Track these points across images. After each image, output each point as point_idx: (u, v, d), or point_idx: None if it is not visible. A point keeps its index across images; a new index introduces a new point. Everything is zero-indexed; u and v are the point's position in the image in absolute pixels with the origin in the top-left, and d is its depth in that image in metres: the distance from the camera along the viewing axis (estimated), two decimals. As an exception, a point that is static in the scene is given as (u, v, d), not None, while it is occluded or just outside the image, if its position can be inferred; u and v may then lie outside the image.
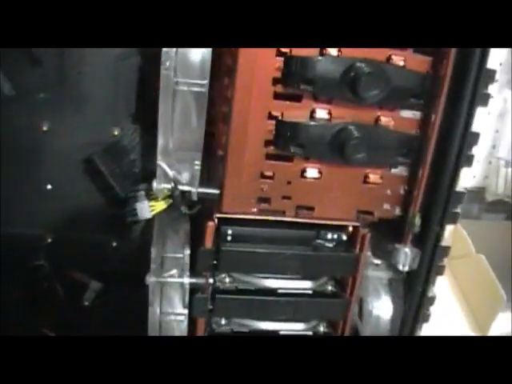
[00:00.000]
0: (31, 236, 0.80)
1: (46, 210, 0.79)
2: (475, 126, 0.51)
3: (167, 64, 0.44)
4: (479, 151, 1.23)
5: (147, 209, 0.56)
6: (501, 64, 1.09)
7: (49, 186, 0.76)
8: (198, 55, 0.45)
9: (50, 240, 0.78)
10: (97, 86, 0.72)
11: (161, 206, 0.56)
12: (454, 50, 0.50)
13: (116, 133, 0.72)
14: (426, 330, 0.61)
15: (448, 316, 0.90)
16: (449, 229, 0.52)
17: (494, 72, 0.50)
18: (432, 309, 0.65)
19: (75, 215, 0.81)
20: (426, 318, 0.56)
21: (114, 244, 0.78)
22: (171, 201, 0.56)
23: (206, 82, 0.46)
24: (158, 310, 0.56)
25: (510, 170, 1.24)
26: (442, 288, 0.80)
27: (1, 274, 0.80)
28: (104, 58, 0.71)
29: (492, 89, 0.51)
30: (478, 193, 1.24)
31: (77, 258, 0.79)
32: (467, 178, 0.56)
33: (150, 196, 0.57)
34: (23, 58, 0.69)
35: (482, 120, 0.53)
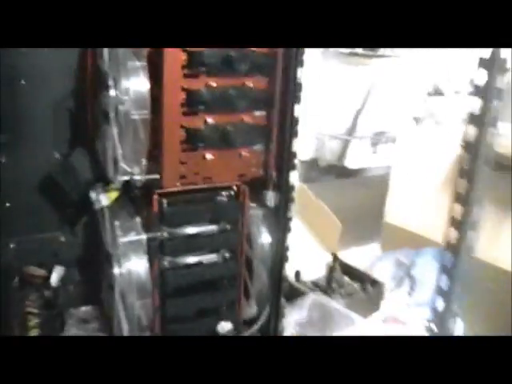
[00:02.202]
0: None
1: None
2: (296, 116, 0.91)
3: (125, 100, 0.78)
4: (309, 132, 1.70)
5: (106, 198, 0.89)
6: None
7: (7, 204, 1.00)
8: (143, 92, 0.80)
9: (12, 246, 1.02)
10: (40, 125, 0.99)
11: (115, 195, 0.89)
12: (279, 71, 0.89)
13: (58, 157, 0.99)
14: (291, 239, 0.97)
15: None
16: (291, 175, 0.92)
17: (300, 85, 0.89)
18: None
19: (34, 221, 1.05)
20: (289, 229, 0.95)
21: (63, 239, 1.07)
22: (119, 193, 0.90)
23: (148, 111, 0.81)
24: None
25: (332, 141, 1.72)
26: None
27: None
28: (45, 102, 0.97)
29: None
30: (313, 162, 1.71)
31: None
32: (299, 147, 0.97)
33: (106, 190, 0.90)
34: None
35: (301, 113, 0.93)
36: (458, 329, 1.21)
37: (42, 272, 1.05)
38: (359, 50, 1.62)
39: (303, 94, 0.94)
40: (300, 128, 1.07)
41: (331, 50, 1.60)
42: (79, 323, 1.05)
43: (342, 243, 1.34)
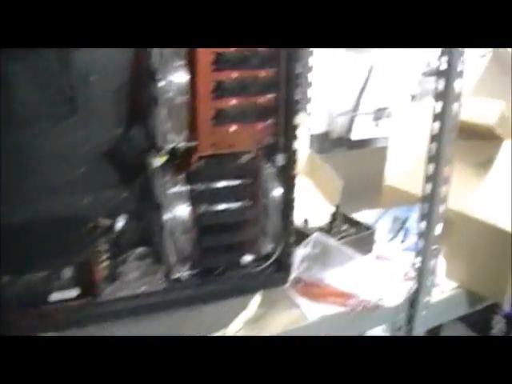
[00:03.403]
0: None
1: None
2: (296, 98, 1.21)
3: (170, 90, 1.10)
4: (321, 109, 2.02)
5: (157, 161, 1.22)
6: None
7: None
8: (183, 83, 1.11)
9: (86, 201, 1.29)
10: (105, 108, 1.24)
11: (164, 158, 1.21)
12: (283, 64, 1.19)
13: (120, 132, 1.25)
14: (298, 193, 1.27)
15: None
16: (295, 142, 1.22)
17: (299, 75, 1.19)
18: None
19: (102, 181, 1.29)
20: (295, 184, 1.24)
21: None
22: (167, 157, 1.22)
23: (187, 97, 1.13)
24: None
25: (340, 118, 2.05)
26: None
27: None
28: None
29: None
30: (325, 135, 2.05)
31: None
32: (302, 121, 1.27)
33: (157, 155, 1.23)
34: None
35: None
36: (441, 267, 1.49)
37: (107, 221, 1.32)
38: None
39: (315, 78, 1.23)
40: (313, 106, 1.37)
41: None
42: (138, 260, 1.31)
43: (351, 206, 1.61)
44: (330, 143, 2.14)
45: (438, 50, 1.22)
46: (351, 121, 2.14)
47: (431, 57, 2.06)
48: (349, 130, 2.13)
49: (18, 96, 1.18)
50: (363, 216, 1.62)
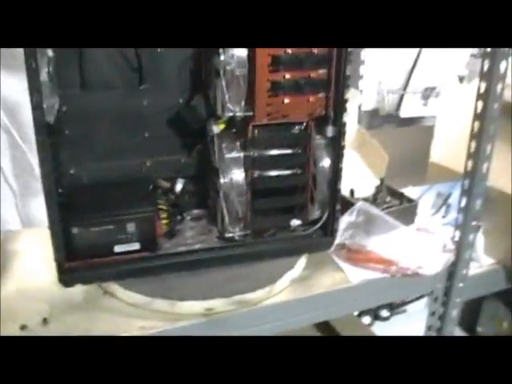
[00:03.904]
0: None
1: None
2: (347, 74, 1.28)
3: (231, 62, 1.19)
4: (371, 86, 2.10)
5: (216, 128, 1.31)
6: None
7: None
8: (243, 56, 1.18)
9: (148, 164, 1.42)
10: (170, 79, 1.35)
11: (222, 126, 1.29)
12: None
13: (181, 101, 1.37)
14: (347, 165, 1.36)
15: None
16: (344, 115, 1.29)
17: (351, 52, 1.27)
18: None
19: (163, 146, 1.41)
20: (342, 154, 1.32)
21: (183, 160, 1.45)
22: (225, 124, 1.32)
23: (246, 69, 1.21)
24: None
25: (390, 95, 2.12)
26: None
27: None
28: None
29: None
30: (374, 112, 2.13)
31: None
32: (353, 97, 1.35)
33: (216, 123, 1.32)
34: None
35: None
36: (480, 243, 1.56)
37: (167, 184, 1.44)
38: None
39: (367, 56, 1.30)
40: (364, 84, 1.44)
41: None
42: (194, 220, 1.44)
43: (397, 181, 1.70)
44: (379, 120, 2.22)
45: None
46: (400, 99, 2.21)
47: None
48: (398, 107, 2.21)
49: (91, 64, 1.29)
50: (408, 191, 1.69)
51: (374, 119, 2.20)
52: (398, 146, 1.84)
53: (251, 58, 1.20)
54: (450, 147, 1.73)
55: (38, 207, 1.80)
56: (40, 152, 1.12)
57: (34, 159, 1.79)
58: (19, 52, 1.01)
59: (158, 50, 1.33)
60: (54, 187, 1.16)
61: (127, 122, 1.38)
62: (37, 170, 1.76)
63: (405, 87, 2.20)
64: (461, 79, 2.08)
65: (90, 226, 1.24)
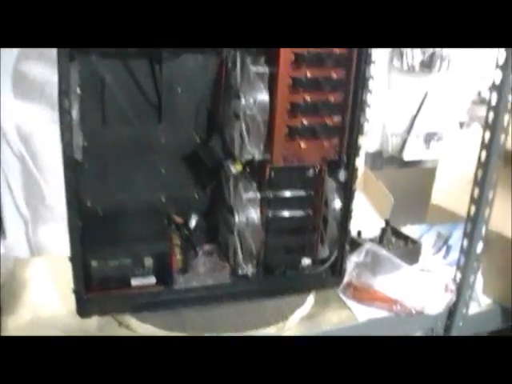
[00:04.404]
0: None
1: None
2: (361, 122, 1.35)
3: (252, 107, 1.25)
4: (376, 129, 2.18)
5: (234, 168, 1.36)
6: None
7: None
8: (265, 102, 1.24)
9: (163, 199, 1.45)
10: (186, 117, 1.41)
11: (240, 167, 1.34)
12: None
13: (198, 140, 1.42)
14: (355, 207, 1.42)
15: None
16: (357, 160, 1.36)
17: (365, 100, 1.33)
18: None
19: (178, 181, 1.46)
20: (353, 198, 1.37)
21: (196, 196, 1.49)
22: (243, 166, 1.36)
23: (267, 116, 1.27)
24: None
25: (393, 138, 2.20)
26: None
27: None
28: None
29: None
30: (378, 153, 2.20)
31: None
32: (364, 142, 1.41)
33: (234, 163, 1.37)
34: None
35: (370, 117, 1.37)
36: (479, 283, 1.62)
37: (180, 219, 1.47)
38: (417, 68, 2.10)
39: (372, 101, 1.37)
40: (369, 126, 1.51)
41: (395, 65, 2.09)
42: (206, 255, 1.45)
43: (398, 220, 1.76)
44: (383, 161, 2.30)
45: (489, 82, 1.34)
46: (404, 142, 2.30)
47: (481, 86, 2.20)
48: (401, 150, 2.29)
49: (112, 100, 1.34)
50: (410, 230, 1.76)
51: (377, 160, 2.28)
52: (400, 187, 1.90)
53: (271, 104, 1.26)
54: (450, 190, 1.79)
55: (48, 235, 1.82)
56: (67, 188, 1.17)
57: (46, 188, 1.82)
58: (37, 80, 1.03)
59: (178, 89, 1.39)
60: (77, 222, 1.20)
61: (144, 158, 1.42)
62: (48, 199, 1.79)
63: (408, 131, 2.29)
64: (461, 125, 2.17)
65: (108, 259, 1.28)
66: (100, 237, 1.32)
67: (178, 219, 1.49)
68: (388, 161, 2.30)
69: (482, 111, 2.04)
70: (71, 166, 1.14)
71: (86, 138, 1.32)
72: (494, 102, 1.35)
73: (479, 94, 2.23)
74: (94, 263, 1.27)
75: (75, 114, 1.21)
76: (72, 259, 1.21)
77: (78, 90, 1.26)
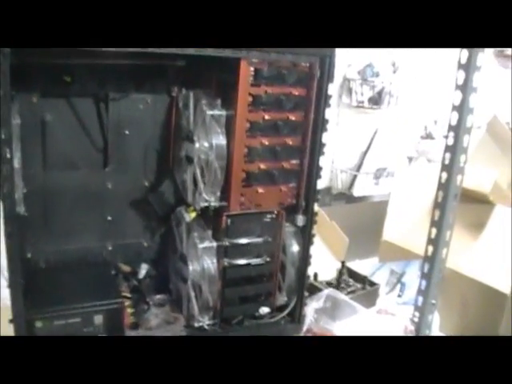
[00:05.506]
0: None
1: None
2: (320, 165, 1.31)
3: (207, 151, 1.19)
4: (325, 166, 2.15)
5: (188, 216, 1.30)
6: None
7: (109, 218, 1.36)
8: (223, 146, 1.20)
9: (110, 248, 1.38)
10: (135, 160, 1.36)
11: (194, 214, 1.29)
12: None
13: (147, 184, 1.37)
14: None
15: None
16: (315, 205, 1.32)
17: (324, 144, 1.30)
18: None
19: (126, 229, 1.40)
20: (312, 242, 1.34)
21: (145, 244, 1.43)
22: (197, 213, 1.30)
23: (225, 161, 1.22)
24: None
25: (343, 174, 2.18)
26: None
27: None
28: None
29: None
30: (327, 190, 2.17)
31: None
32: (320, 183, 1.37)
33: (187, 210, 1.31)
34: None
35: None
36: (435, 321, 1.59)
37: (128, 268, 1.41)
38: (366, 104, 2.09)
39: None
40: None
41: (344, 102, 2.07)
42: (157, 306, 1.37)
43: (349, 256, 1.74)
44: (332, 197, 2.27)
45: (436, 118, 1.33)
46: (353, 178, 2.28)
47: (427, 121, 2.22)
48: (351, 186, 2.27)
49: (55, 143, 1.27)
50: (361, 266, 1.73)
51: (326, 197, 2.25)
52: (349, 222, 1.87)
53: (227, 148, 1.20)
54: (401, 228, 1.78)
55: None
56: (8, 246, 1.06)
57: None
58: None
59: (126, 131, 1.33)
60: (20, 280, 1.09)
61: (89, 204, 1.35)
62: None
63: (358, 167, 2.27)
64: (410, 159, 2.17)
65: (54, 319, 1.17)
66: (44, 293, 1.22)
67: (126, 268, 1.42)
68: (337, 197, 2.28)
69: (428, 146, 2.06)
70: (12, 222, 1.04)
71: (27, 185, 1.25)
72: (450, 143, 1.33)
73: (425, 128, 2.24)
74: (38, 324, 1.16)
75: (16, 162, 1.12)
76: (14, 320, 1.10)
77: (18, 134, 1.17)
